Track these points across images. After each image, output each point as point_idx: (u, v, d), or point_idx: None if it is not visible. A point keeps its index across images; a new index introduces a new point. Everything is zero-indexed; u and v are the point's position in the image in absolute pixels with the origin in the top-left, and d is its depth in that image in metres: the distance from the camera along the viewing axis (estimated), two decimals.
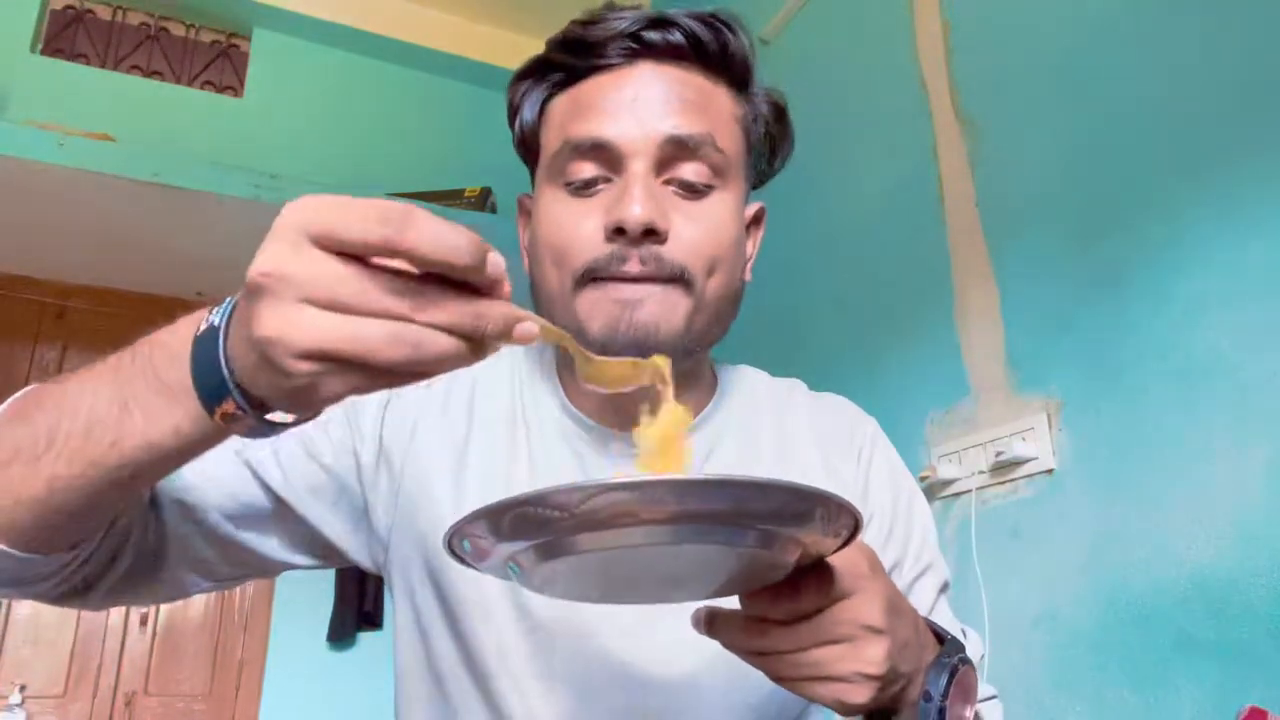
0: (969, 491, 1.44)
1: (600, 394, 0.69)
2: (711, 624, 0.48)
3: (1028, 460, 1.35)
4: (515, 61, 0.71)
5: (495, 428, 0.70)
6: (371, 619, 2.89)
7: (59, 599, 0.58)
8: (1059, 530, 1.29)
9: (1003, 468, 1.39)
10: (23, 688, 2.56)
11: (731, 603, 0.48)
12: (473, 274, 0.35)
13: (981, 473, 1.43)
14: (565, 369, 0.72)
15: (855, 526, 0.42)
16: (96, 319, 2.87)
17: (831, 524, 0.41)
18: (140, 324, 0.45)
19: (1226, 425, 1.09)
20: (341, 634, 2.84)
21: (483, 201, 2.81)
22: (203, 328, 0.40)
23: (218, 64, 3.09)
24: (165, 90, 2.95)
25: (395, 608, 0.71)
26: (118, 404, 0.42)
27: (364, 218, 0.34)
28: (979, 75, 1.59)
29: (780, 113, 0.71)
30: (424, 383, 0.52)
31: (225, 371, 0.38)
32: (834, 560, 0.45)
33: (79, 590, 0.58)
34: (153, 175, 2.34)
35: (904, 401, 1.62)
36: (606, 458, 0.69)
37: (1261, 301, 1.08)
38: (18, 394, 0.53)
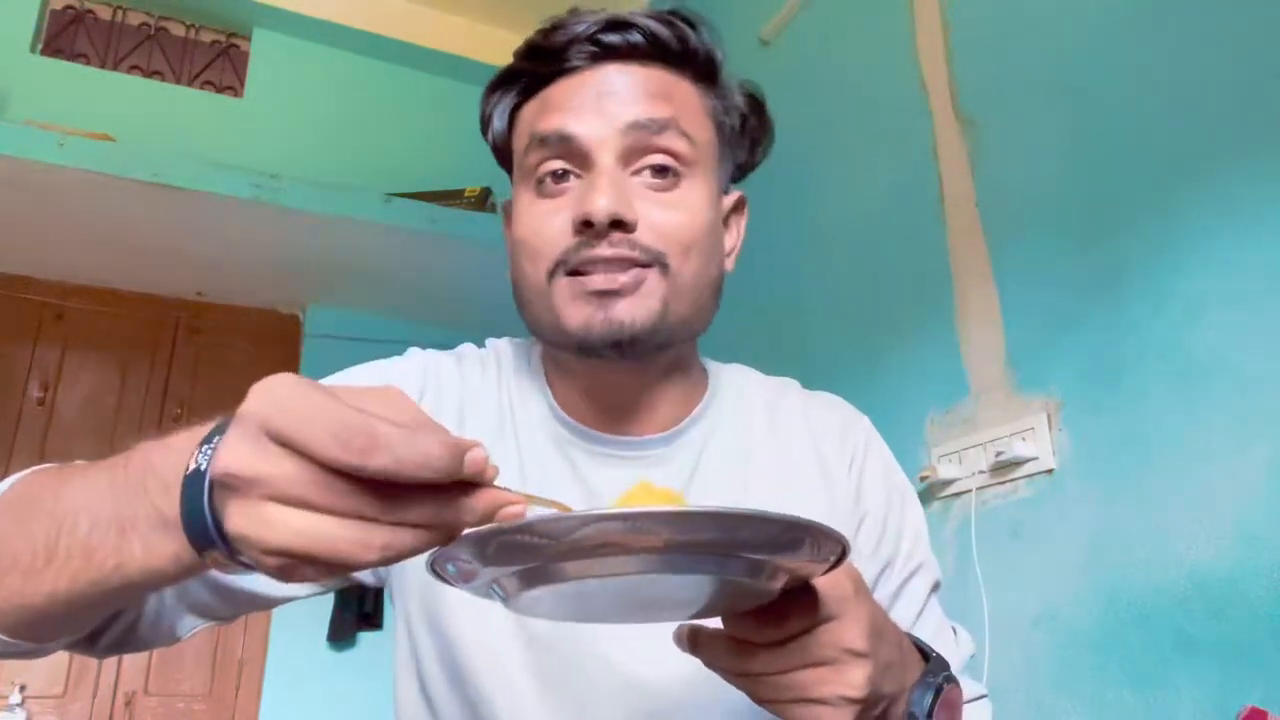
0: (969, 492, 1.44)
1: (589, 395, 0.70)
2: (694, 643, 0.48)
3: (1027, 460, 1.35)
4: None
5: (486, 437, 0.70)
6: (371, 619, 2.89)
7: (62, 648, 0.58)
8: (1059, 530, 1.29)
9: (1003, 468, 1.39)
10: (23, 688, 2.56)
11: (715, 620, 0.48)
12: (450, 479, 0.35)
13: (981, 473, 1.43)
14: (553, 371, 0.72)
15: (842, 553, 0.42)
16: (96, 319, 2.87)
17: (819, 551, 0.41)
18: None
19: (1226, 425, 1.09)
20: (341, 634, 2.85)
21: (482, 201, 2.82)
22: (190, 467, 0.37)
23: (218, 64, 3.10)
24: (165, 90, 2.95)
25: (395, 619, 0.71)
26: (116, 528, 0.41)
27: (326, 434, 0.33)
28: (979, 75, 1.59)
29: (756, 104, 0.72)
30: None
31: (210, 523, 0.36)
32: (818, 583, 0.45)
33: (83, 642, 0.59)
34: (153, 175, 2.34)
35: (904, 401, 1.62)
36: (596, 459, 0.69)
37: (1261, 301, 1.08)
38: (10, 480, 0.53)
